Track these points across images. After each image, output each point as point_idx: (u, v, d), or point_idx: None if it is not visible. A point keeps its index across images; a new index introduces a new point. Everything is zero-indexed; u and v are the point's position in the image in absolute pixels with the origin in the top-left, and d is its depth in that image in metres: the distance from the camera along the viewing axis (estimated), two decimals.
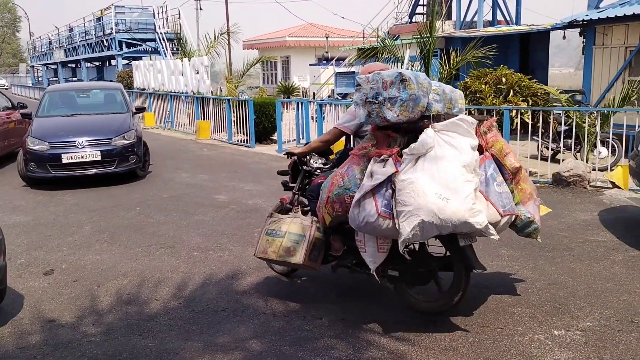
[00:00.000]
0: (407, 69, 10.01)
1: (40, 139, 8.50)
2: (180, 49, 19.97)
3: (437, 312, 3.76)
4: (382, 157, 3.45)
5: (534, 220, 3.69)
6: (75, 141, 8.46)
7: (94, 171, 8.50)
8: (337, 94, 17.16)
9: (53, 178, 8.46)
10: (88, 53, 31.16)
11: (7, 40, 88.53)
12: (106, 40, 27.93)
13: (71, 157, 8.36)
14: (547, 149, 8.90)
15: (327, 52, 23.17)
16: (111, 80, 28.94)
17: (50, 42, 40.50)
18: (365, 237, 3.59)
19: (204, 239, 5.79)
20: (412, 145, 3.40)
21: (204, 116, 15.11)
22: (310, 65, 23.62)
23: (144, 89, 20.07)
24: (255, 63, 17.52)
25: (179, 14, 24.27)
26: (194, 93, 15.99)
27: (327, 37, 24.94)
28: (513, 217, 3.58)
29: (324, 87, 20.35)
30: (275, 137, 13.18)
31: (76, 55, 33.66)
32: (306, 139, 11.99)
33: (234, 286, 4.49)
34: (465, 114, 3.72)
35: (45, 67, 44.62)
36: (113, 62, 30.33)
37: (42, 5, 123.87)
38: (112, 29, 26.59)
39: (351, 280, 4.50)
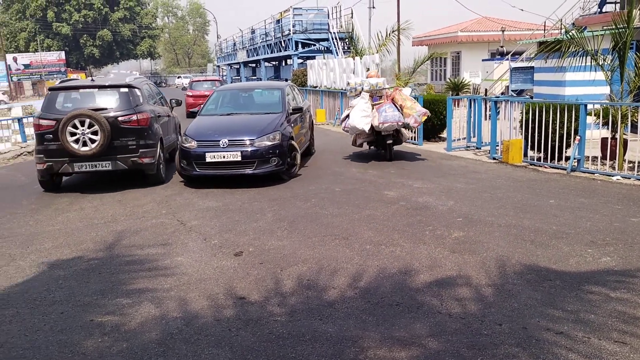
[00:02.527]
0: (599, 63, 9.14)
1: (191, 137, 8.67)
2: (351, 47, 20.50)
3: (385, 160, 10.38)
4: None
5: (408, 124, 10.09)
6: (219, 141, 8.46)
7: (233, 171, 8.47)
8: (512, 91, 16.29)
9: (200, 176, 8.58)
10: (267, 53, 33.44)
11: (197, 42, 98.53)
12: (284, 41, 29.71)
13: (214, 157, 8.37)
14: None
15: (502, 47, 22.04)
16: (286, 79, 30.74)
17: (234, 44, 44.27)
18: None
19: (375, 233, 5.89)
20: (351, 102, 10.64)
21: None
22: (483, 60, 22.68)
23: (316, 87, 21.00)
24: (427, 59, 17.34)
25: (352, 13, 24.92)
26: None
27: (502, 31, 23.70)
28: (394, 124, 9.92)
29: (497, 84, 19.45)
30: (444, 134, 12.93)
31: (256, 55, 36.34)
32: (478, 137, 11.59)
33: (407, 282, 4.51)
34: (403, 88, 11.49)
35: (229, 67, 48.87)
36: (289, 61, 32.16)
37: (229, 9, 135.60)
38: (289, 30, 28.20)
39: (531, 289, 4.27)
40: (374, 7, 29.02)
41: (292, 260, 5.12)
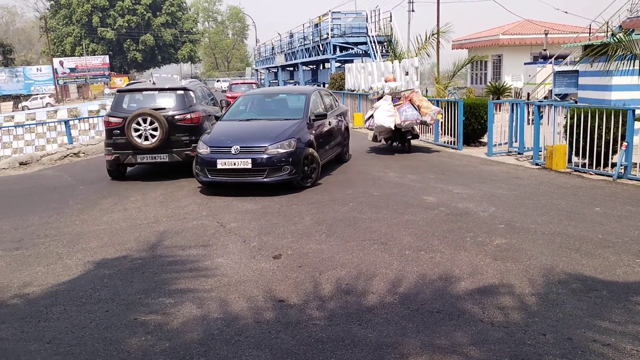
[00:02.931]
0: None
1: (205, 143, 8.51)
2: (390, 51, 20.42)
3: (402, 152, 12.08)
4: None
5: (426, 121, 11.69)
6: (231, 147, 8.21)
7: (244, 179, 8.24)
8: (556, 95, 15.92)
9: (211, 182, 8.43)
10: (305, 57, 33.62)
11: (236, 46, 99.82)
12: (322, 44, 29.81)
13: (225, 163, 8.13)
14: None
15: (545, 50, 21.59)
16: (323, 83, 30.80)
17: (272, 48, 44.67)
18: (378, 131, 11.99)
19: (414, 238, 5.84)
20: (374, 104, 12.10)
21: None
22: (525, 64, 22.24)
23: (354, 90, 20.99)
24: (467, 63, 17.13)
25: (391, 17, 24.83)
26: None
27: (546, 34, 23.19)
28: (414, 121, 11.53)
29: (540, 87, 19.04)
30: (484, 139, 12.73)
31: (294, 59, 36.57)
32: (520, 142, 11.37)
33: (448, 289, 4.45)
34: (410, 90, 12.69)
35: (267, 71, 49.31)
36: (327, 65, 32.24)
37: (268, 14, 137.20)
38: (327, 34, 28.27)
39: (577, 299, 4.16)
40: (413, 11, 28.92)
41: (330, 264, 5.12)
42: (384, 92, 12.00)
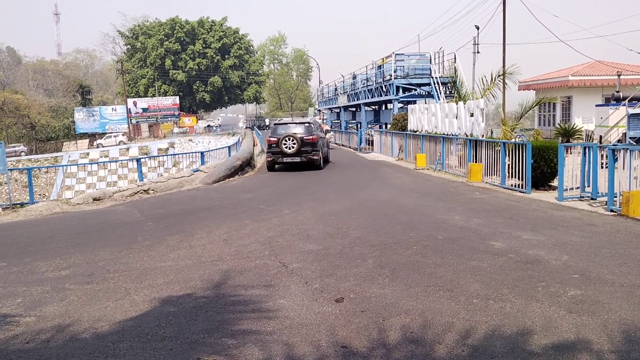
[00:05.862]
0: None
1: None
2: (454, 92, 20.26)
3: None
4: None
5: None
6: None
7: None
8: (630, 138, 15.23)
9: None
10: (367, 98, 33.91)
11: (300, 87, 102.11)
12: (384, 85, 30.01)
13: None
14: None
15: (618, 92, 20.79)
16: (386, 124, 30.77)
17: (335, 89, 45.40)
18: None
19: (482, 286, 5.61)
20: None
21: (475, 159, 14.97)
22: (597, 106, 21.48)
23: (416, 131, 20.88)
24: (536, 104, 16.70)
25: (455, 58, 24.74)
26: (466, 136, 16.00)
27: (618, 75, 22.38)
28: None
29: (613, 130, 18.27)
30: (554, 183, 12.28)
31: (357, 100, 36.95)
32: (593, 187, 10.88)
33: (520, 342, 4.22)
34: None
35: (330, 111, 50.03)
36: (389, 105, 32.35)
37: (331, 56, 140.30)
38: (390, 75, 28.45)
39: None
40: (478, 52, 28.66)
41: (394, 310, 4.98)
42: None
